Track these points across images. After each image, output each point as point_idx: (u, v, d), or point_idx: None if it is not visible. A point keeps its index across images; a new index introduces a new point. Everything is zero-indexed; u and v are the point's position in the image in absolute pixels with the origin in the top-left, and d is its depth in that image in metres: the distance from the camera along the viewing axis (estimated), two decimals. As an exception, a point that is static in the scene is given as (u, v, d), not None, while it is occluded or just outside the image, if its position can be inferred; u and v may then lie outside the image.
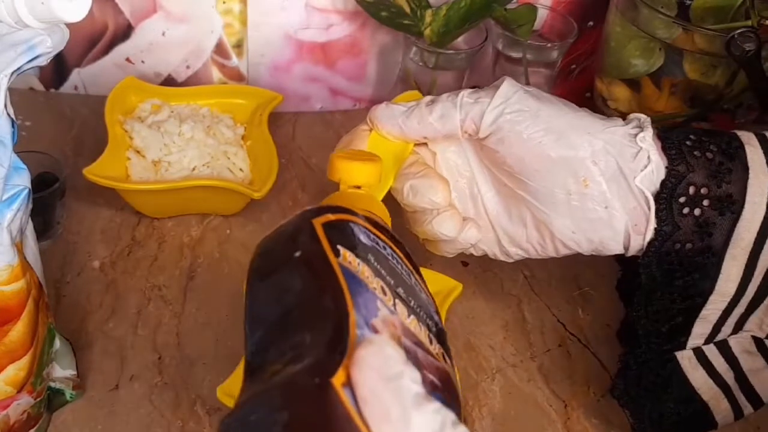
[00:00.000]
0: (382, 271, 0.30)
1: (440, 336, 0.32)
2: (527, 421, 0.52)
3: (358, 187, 0.42)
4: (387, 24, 0.67)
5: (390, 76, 0.75)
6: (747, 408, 0.47)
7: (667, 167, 0.43)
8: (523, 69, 0.69)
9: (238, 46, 0.72)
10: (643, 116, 0.46)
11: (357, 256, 0.29)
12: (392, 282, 0.30)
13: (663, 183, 0.43)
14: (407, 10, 0.66)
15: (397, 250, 0.34)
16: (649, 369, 0.47)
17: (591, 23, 0.74)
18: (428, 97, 0.48)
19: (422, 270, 0.54)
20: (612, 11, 0.67)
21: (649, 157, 0.43)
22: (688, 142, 0.44)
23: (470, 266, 0.62)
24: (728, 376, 0.47)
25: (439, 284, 0.54)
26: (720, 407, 0.47)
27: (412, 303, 0.31)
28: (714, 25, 0.61)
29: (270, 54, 0.73)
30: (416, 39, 0.67)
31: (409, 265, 0.35)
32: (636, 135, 0.44)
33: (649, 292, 0.45)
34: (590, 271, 0.63)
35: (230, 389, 0.44)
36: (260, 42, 0.72)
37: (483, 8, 0.65)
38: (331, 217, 0.31)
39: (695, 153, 0.43)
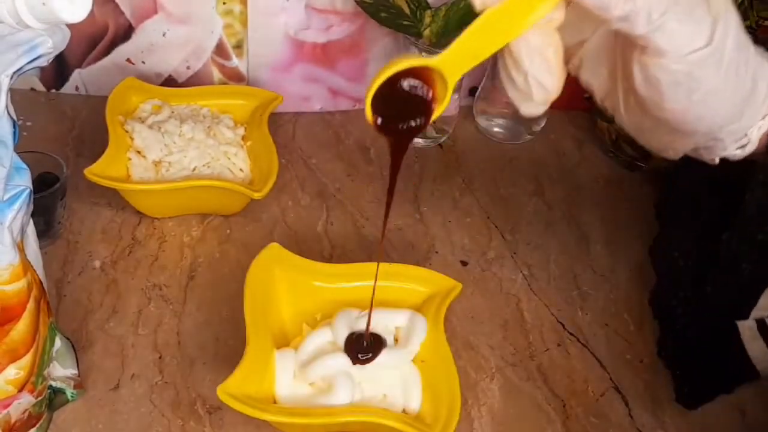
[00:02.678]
0: None
1: None
2: (526, 420, 0.52)
3: None
4: (386, 25, 0.67)
5: (390, 77, 0.75)
6: None
7: None
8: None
9: (239, 46, 0.72)
10: None
11: None
12: None
13: None
14: (407, 11, 0.66)
15: None
16: (705, 336, 0.48)
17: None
18: None
19: (422, 270, 0.55)
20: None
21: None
22: None
23: (469, 266, 0.62)
24: None
25: (439, 284, 0.54)
26: None
27: None
28: (712, 26, 0.61)
29: (270, 54, 0.73)
30: (415, 40, 0.67)
31: None
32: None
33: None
34: (589, 271, 0.63)
35: (231, 388, 0.44)
36: (260, 42, 0.72)
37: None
38: None
39: None
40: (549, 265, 0.63)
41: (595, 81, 0.42)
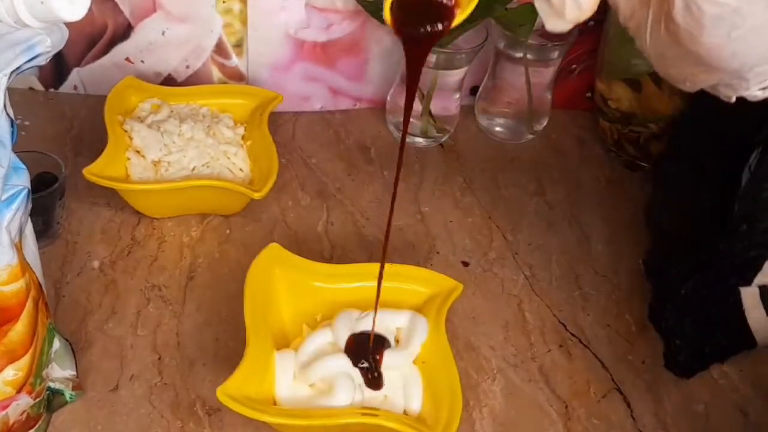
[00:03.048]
0: None
1: None
2: (528, 422, 0.52)
3: None
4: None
5: (390, 76, 0.74)
6: None
7: None
8: (523, 69, 0.69)
9: (238, 45, 0.72)
10: None
11: None
12: None
13: None
14: (407, 9, 0.66)
15: None
16: (706, 302, 0.47)
17: (591, 22, 0.74)
18: None
19: (423, 270, 0.54)
20: (612, 10, 0.67)
21: None
22: None
23: (470, 266, 0.62)
24: None
25: (440, 284, 0.53)
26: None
27: None
28: (715, 25, 0.61)
29: (270, 54, 0.73)
30: (416, 39, 0.67)
31: None
32: None
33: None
34: (591, 272, 0.63)
35: (230, 389, 0.44)
36: (260, 42, 0.72)
37: (483, 8, 0.65)
38: None
39: None
40: (550, 265, 0.63)
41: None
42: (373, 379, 0.48)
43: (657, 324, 0.56)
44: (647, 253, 0.59)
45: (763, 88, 0.38)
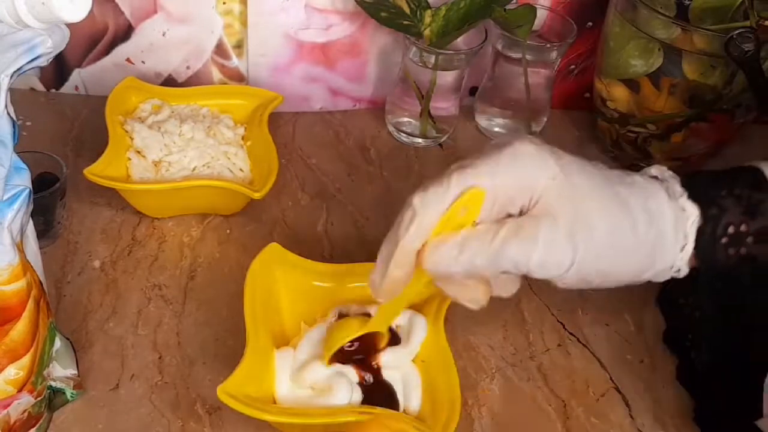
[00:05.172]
0: None
1: None
2: (526, 421, 0.52)
3: None
4: (387, 24, 0.67)
5: (390, 76, 0.75)
6: None
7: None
8: (522, 69, 0.69)
9: (239, 46, 0.72)
10: (678, 187, 0.43)
11: None
12: None
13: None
14: (407, 10, 0.66)
15: None
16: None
17: (590, 24, 0.74)
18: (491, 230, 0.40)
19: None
20: (611, 12, 0.68)
21: (685, 236, 0.42)
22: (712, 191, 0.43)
23: (470, 266, 0.62)
24: None
25: (439, 284, 0.54)
26: None
27: None
28: (713, 26, 0.61)
29: (270, 54, 0.73)
30: (416, 39, 0.67)
31: None
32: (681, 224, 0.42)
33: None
34: (589, 271, 0.63)
35: (230, 388, 0.44)
36: (260, 42, 0.72)
37: (482, 9, 0.66)
38: None
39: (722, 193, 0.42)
40: (549, 265, 0.63)
41: None
42: (371, 382, 0.49)
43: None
44: (664, 334, 0.58)
45: (676, 272, 0.43)
